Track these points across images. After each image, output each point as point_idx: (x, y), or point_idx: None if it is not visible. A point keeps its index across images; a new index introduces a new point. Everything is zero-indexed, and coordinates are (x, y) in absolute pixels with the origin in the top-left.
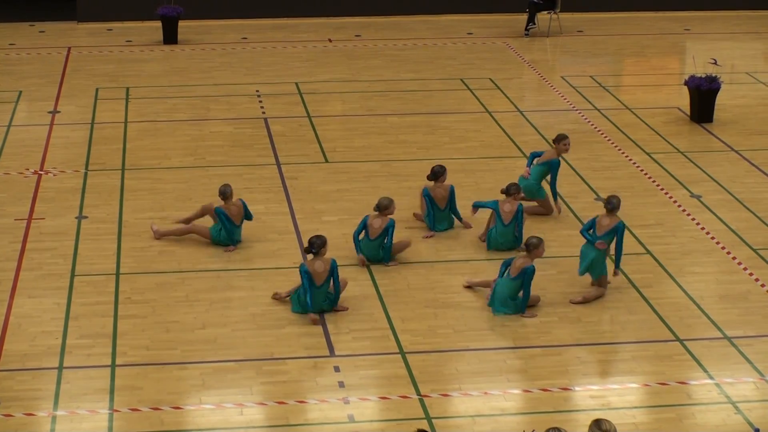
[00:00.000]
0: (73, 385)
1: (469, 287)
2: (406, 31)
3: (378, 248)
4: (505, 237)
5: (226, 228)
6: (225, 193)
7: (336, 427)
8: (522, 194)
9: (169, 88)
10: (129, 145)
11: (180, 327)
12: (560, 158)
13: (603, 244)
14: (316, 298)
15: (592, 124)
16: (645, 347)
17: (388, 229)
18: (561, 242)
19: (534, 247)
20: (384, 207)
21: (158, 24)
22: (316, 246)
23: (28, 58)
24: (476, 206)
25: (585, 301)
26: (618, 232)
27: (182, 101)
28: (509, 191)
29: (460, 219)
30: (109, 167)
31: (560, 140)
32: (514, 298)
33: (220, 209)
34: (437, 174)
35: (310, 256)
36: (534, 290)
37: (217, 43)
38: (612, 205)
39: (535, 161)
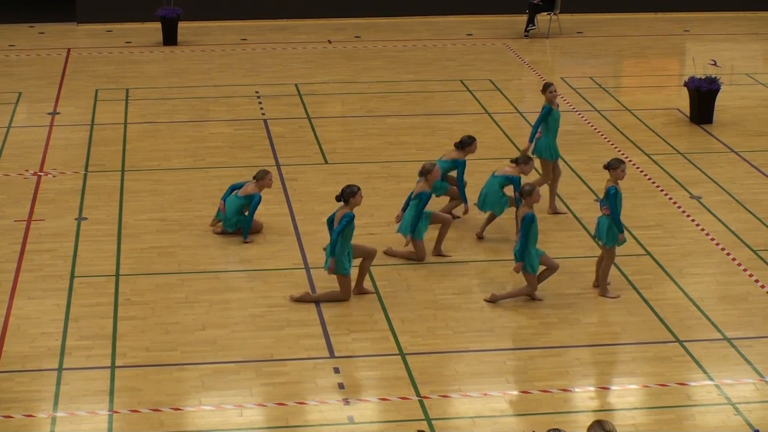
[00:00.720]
0: (73, 387)
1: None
2: (406, 32)
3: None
4: (491, 189)
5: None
6: (257, 175)
7: (336, 428)
8: (529, 166)
9: (168, 90)
10: (129, 147)
11: (180, 328)
12: (549, 106)
13: (606, 210)
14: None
15: (592, 126)
16: (645, 348)
17: (420, 198)
18: (561, 243)
19: (528, 194)
20: (427, 171)
21: (158, 25)
22: (345, 194)
23: (27, 59)
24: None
25: (599, 287)
26: (607, 196)
27: (182, 102)
28: (518, 160)
29: (464, 199)
30: (109, 168)
31: (546, 88)
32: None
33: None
34: (463, 144)
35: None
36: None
37: (217, 44)
38: (608, 165)
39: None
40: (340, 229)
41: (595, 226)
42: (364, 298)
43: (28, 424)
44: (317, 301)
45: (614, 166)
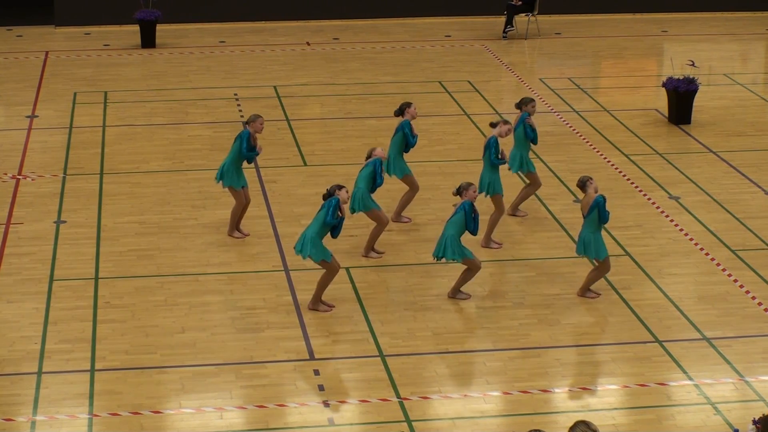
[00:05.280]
0: (53, 390)
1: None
2: (384, 34)
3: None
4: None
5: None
6: (248, 119)
7: (316, 430)
8: (506, 127)
9: (147, 92)
10: (107, 150)
11: (159, 331)
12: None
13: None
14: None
15: (571, 127)
16: (624, 349)
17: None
18: (541, 245)
19: (464, 189)
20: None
21: (136, 28)
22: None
23: (5, 62)
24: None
25: (584, 293)
26: (598, 206)
27: (160, 105)
28: (494, 124)
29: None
30: (88, 171)
31: (527, 103)
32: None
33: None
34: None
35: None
36: (513, 292)
37: (195, 46)
38: (579, 182)
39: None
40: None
41: (580, 242)
42: (343, 301)
43: (7, 428)
44: (319, 295)
45: (584, 183)
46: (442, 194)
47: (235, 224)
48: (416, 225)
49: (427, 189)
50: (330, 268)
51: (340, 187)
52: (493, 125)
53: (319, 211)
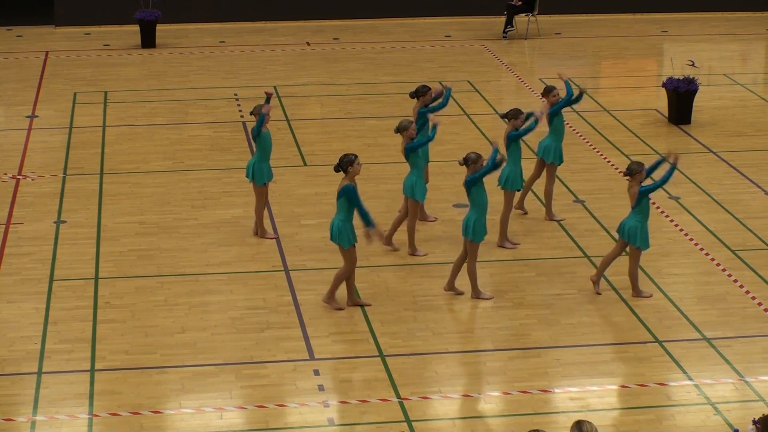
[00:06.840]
0: (53, 390)
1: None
2: (384, 34)
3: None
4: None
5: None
6: (253, 110)
7: (316, 430)
8: (519, 120)
9: (147, 92)
10: (107, 150)
11: (159, 331)
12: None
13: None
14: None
15: (571, 127)
16: (624, 349)
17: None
18: (540, 244)
19: (473, 162)
20: (403, 128)
21: (136, 28)
22: (343, 164)
23: (5, 62)
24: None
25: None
26: (640, 195)
27: (160, 105)
28: (507, 115)
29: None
30: (88, 171)
31: (549, 92)
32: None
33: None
34: (418, 93)
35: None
36: (513, 292)
37: (195, 46)
38: (629, 171)
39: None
40: (359, 203)
41: (624, 228)
42: (343, 301)
43: (7, 429)
44: (333, 292)
45: (635, 170)
46: (442, 194)
47: (261, 223)
48: (416, 225)
49: (428, 189)
50: (347, 258)
51: (351, 162)
52: (514, 117)
53: (338, 198)
